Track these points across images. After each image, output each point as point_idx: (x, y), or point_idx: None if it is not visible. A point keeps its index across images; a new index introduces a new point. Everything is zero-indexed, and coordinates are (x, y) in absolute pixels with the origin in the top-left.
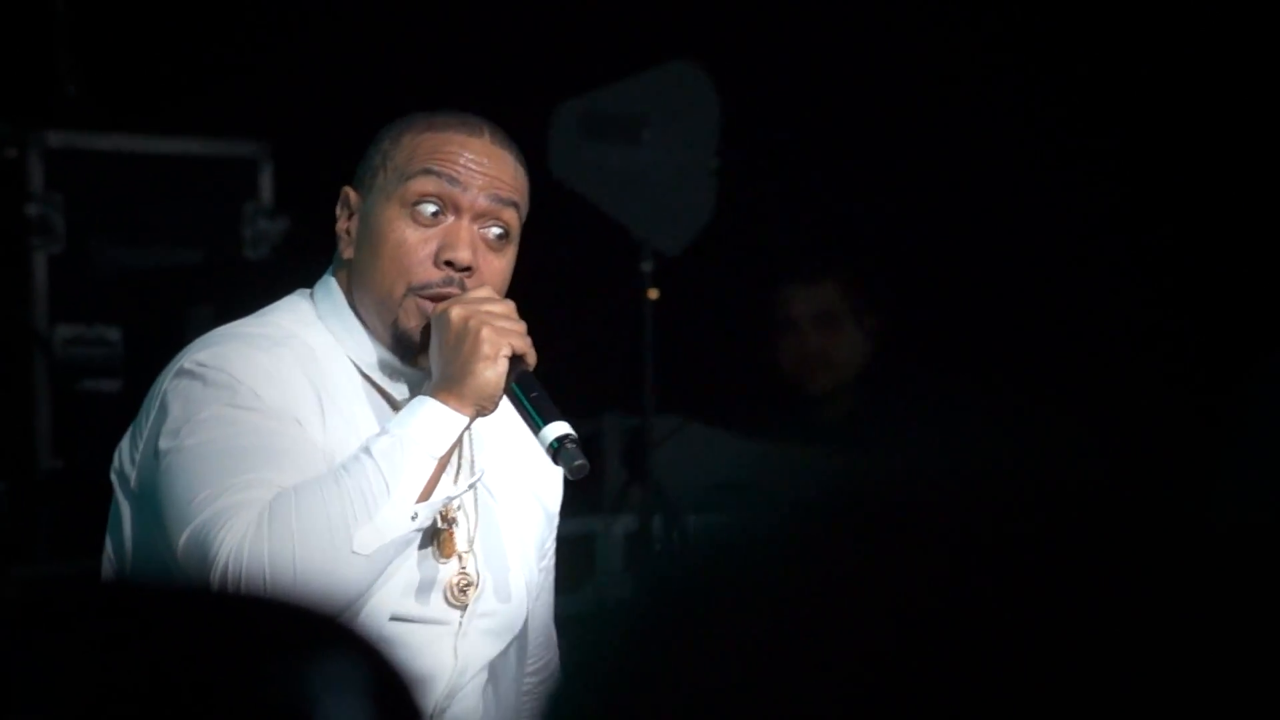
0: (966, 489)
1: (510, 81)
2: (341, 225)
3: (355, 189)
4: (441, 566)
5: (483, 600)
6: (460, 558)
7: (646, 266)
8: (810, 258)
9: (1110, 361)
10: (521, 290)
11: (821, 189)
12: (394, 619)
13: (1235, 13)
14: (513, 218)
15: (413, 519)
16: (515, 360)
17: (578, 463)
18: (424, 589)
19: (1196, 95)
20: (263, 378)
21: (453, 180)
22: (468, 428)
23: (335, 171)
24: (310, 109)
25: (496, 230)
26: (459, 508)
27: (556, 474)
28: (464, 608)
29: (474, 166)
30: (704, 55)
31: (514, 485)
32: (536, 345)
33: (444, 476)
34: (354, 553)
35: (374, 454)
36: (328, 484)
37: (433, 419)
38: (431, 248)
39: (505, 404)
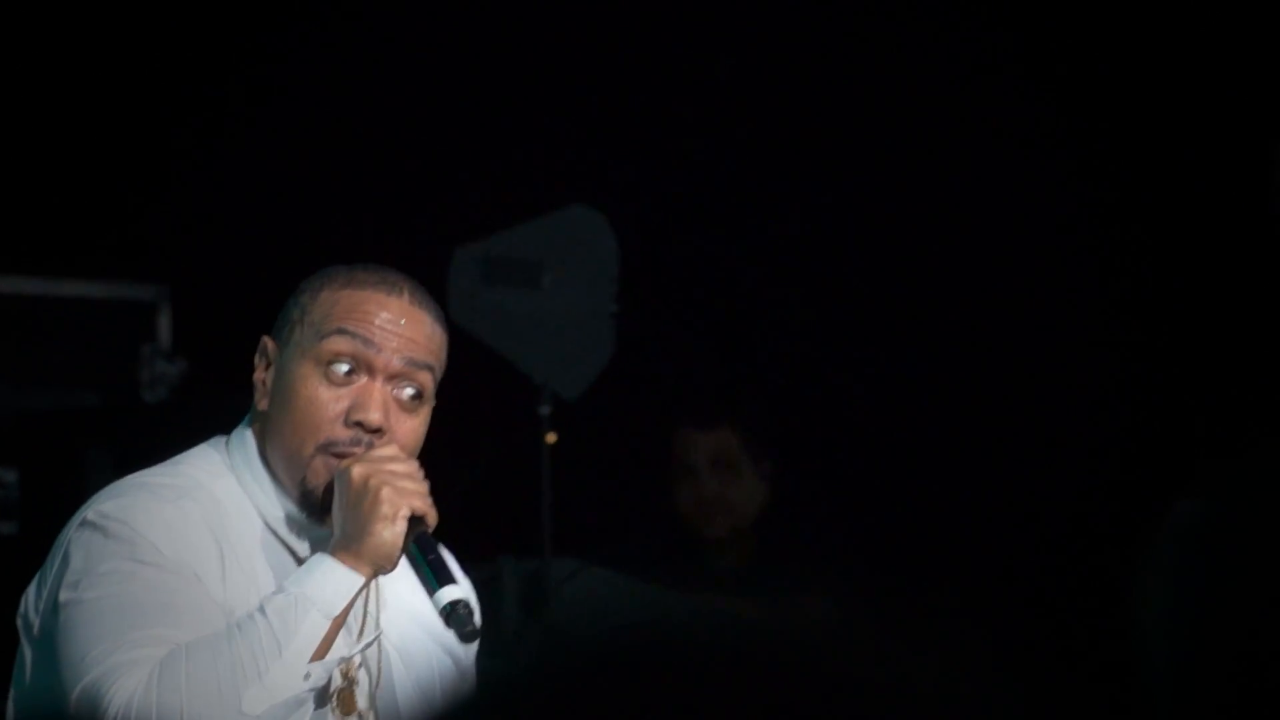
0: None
1: (408, 226)
2: (258, 375)
3: (273, 339)
4: None
5: None
6: (360, 715)
7: (545, 410)
8: (708, 403)
9: (1013, 519)
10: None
11: (720, 334)
12: None
13: (1213, 17)
14: (427, 379)
15: (305, 678)
16: (415, 521)
17: (469, 628)
18: None
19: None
20: (164, 531)
21: (367, 342)
22: (364, 587)
23: (234, 314)
24: (210, 252)
25: (410, 391)
26: (360, 665)
27: (472, 656)
28: None
29: (389, 328)
30: (601, 199)
31: (420, 638)
32: (434, 485)
33: (342, 634)
34: (242, 713)
35: (268, 612)
36: (220, 642)
37: (329, 578)
38: (342, 406)
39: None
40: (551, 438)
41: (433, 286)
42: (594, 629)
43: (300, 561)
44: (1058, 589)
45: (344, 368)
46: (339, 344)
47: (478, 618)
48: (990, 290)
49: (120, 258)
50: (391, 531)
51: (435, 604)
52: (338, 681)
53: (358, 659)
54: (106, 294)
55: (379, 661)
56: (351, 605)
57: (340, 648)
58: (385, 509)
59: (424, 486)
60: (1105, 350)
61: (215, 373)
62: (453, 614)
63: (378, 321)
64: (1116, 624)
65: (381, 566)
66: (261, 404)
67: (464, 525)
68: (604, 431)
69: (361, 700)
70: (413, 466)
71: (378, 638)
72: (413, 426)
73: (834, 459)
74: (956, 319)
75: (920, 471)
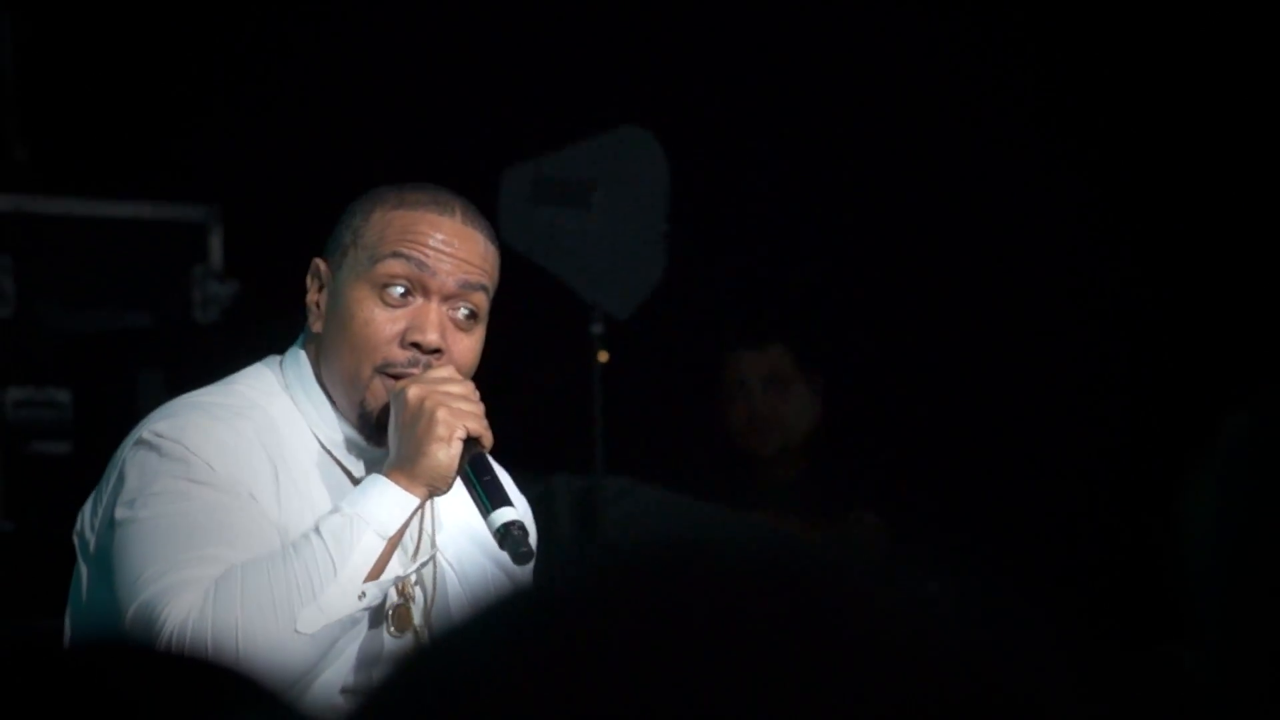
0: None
1: (460, 146)
2: (312, 298)
3: (326, 261)
4: (396, 641)
5: None
6: (416, 632)
7: (596, 329)
8: (759, 320)
9: (1061, 439)
10: None
11: (771, 251)
12: (346, 691)
13: (1213, 20)
14: (481, 299)
15: (360, 598)
16: (470, 442)
17: (522, 550)
18: (379, 663)
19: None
20: (218, 451)
21: (421, 264)
22: (419, 508)
23: (285, 235)
24: (260, 172)
25: (465, 311)
26: (416, 583)
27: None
28: None
29: (443, 249)
30: (653, 119)
31: (476, 556)
32: (488, 405)
33: (398, 554)
34: (297, 632)
35: (323, 533)
36: (275, 562)
37: (384, 499)
38: (399, 328)
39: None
40: (604, 356)
41: (483, 206)
42: (643, 544)
43: (356, 482)
44: (1106, 505)
45: (399, 290)
46: (394, 267)
47: (533, 539)
48: (1044, 209)
49: (171, 178)
50: (447, 453)
51: (489, 526)
52: (393, 599)
53: (413, 576)
54: (158, 215)
55: (434, 579)
56: (407, 525)
57: (395, 567)
58: (441, 430)
59: (480, 408)
60: (1153, 276)
61: (267, 294)
62: (506, 536)
63: (431, 243)
64: (1164, 538)
65: (436, 488)
66: (316, 326)
67: (517, 444)
68: (656, 350)
69: (417, 617)
70: (469, 388)
71: (433, 556)
72: (468, 346)
73: (886, 376)
74: (1013, 234)
75: (971, 387)
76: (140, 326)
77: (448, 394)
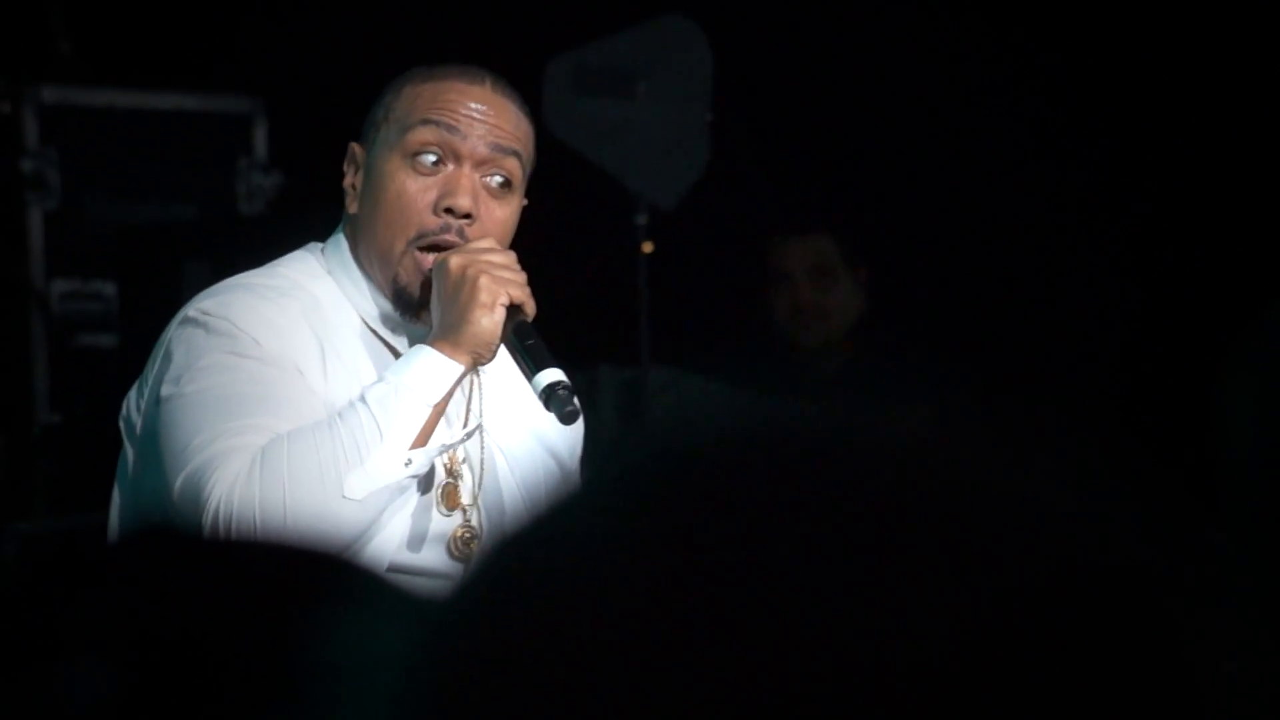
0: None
1: (504, 36)
2: (348, 181)
3: (360, 144)
4: (445, 519)
5: None
6: (464, 511)
7: (641, 220)
8: (804, 211)
9: (1106, 332)
10: (517, 244)
11: (815, 142)
12: (394, 569)
13: (1231, 12)
14: (515, 166)
15: (406, 465)
16: (514, 310)
17: (569, 409)
18: (427, 541)
19: (1207, 84)
20: (264, 326)
21: (451, 129)
22: (464, 376)
23: (329, 127)
24: (304, 65)
25: (498, 179)
26: (464, 460)
27: (574, 430)
28: (467, 560)
29: (474, 115)
30: (697, 8)
31: (525, 440)
32: (534, 294)
33: (444, 427)
34: (345, 497)
35: (369, 401)
36: (321, 430)
37: (429, 367)
38: (431, 196)
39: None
40: (648, 247)
41: (527, 97)
42: (691, 435)
43: (399, 357)
44: (1151, 391)
45: (431, 157)
46: (424, 134)
47: (577, 399)
48: (1091, 98)
49: (216, 70)
50: (490, 319)
51: (535, 388)
52: (442, 477)
53: (461, 454)
54: (202, 107)
55: (482, 459)
56: (451, 395)
57: (442, 437)
58: (484, 296)
59: (522, 276)
60: (1192, 169)
61: (311, 185)
62: (552, 395)
63: (462, 110)
64: (1208, 424)
65: (480, 355)
66: (352, 207)
67: (562, 335)
68: (701, 240)
69: (465, 496)
70: (510, 257)
71: (479, 430)
72: (502, 216)
73: (931, 268)
74: (1057, 127)
75: (1017, 278)
76: (185, 218)
77: (490, 263)
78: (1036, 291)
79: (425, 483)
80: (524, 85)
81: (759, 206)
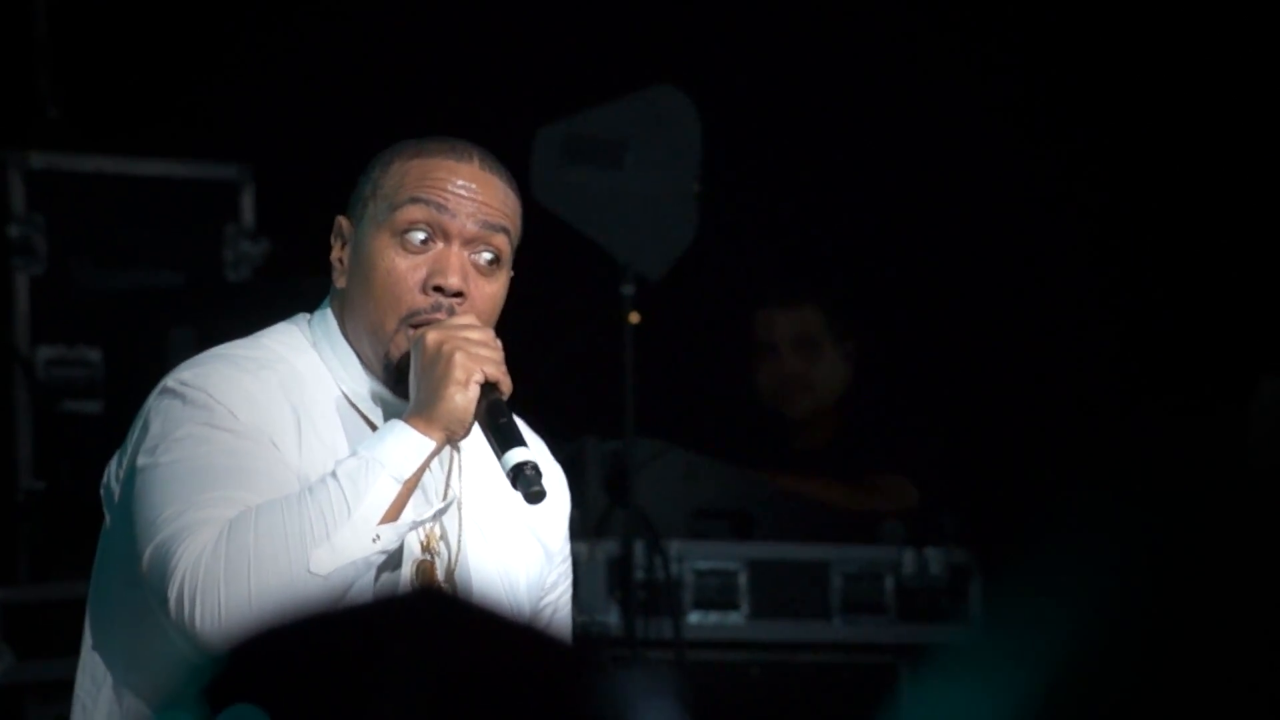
0: None
1: (492, 105)
2: (335, 255)
3: (348, 217)
4: None
5: None
6: (440, 589)
7: (628, 290)
8: (791, 281)
9: (1089, 384)
10: (503, 313)
11: (803, 213)
12: None
13: (1220, 19)
14: (503, 243)
15: (374, 540)
16: (489, 387)
17: (534, 489)
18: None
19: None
20: (242, 398)
21: (440, 207)
22: (437, 452)
23: (316, 194)
24: (292, 131)
25: (487, 256)
26: (441, 537)
27: (559, 512)
28: None
29: (462, 193)
30: (686, 79)
31: (507, 520)
32: (518, 368)
33: (418, 503)
34: (310, 572)
35: (339, 475)
36: (290, 503)
37: (401, 442)
38: (421, 275)
39: (543, 466)
40: (635, 318)
41: (515, 166)
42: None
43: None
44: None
45: (420, 236)
46: (413, 212)
47: (547, 480)
48: (1084, 175)
49: (204, 137)
50: (464, 396)
51: (503, 467)
52: (417, 553)
53: (437, 531)
54: (190, 173)
55: (460, 536)
56: (423, 471)
57: (411, 514)
58: (458, 374)
59: (499, 354)
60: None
61: (298, 253)
62: (519, 475)
63: (450, 187)
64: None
65: (454, 431)
66: (340, 282)
67: (548, 406)
68: (687, 311)
69: (440, 573)
70: (488, 334)
71: (451, 505)
72: (491, 293)
73: (917, 340)
74: (1049, 201)
75: (1002, 352)
76: (172, 285)
77: (467, 339)
78: (1026, 364)
79: (399, 559)
80: (512, 154)
81: (746, 278)
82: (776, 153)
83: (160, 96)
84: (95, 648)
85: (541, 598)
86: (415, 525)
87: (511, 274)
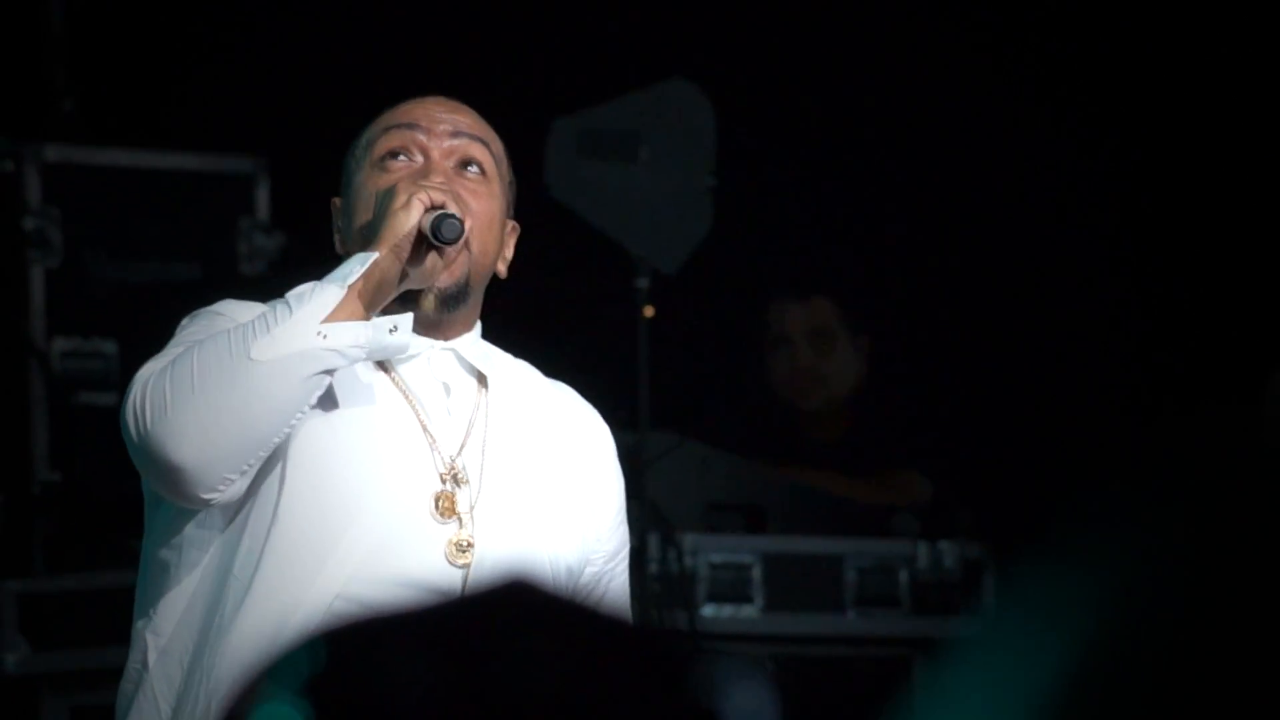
0: None
1: (506, 99)
2: (337, 238)
3: (340, 197)
4: (439, 526)
5: (486, 566)
6: (460, 520)
7: (642, 284)
8: (805, 274)
9: (1108, 379)
10: (518, 306)
11: (818, 206)
12: (391, 578)
13: (1233, 17)
14: (484, 154)
15: (319, 336)
16: (440, 214)
17: (448, 220)
18: (421, 547)
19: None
20: (243, 308)
21: (412, 125)
22: (378, 264)
23: (331, 187)
24: (307, 124)
25: (471, 169)
26: (463, 468)
27: (601, 456)
28: (465, 569)
29: (434, 110)
30: (700, 73)
31: (553, 472)
32: (535, 360)
33: (445, 426)
34: (251, 359)
35: (287, 295)
36: (240, 323)
37: (348, 263)
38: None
39: (565, 399)
40: (649, 311)
41: (529, 160)
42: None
43: (399, 390)
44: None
45: (400, 158)
46: (388, 139)
47: (579, 419)
48: (1099, 168)
49: (219, 129)
50: (405, 213)
51: (429, 233)
52: (437, 485)
53: (460, 466)
54: (205, 166)
55: (483, 470)
56: (374, 280)
57: (364, 329)
58: (400, 197)
59: (448, 187)
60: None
61: (313, 246)
62: (442, 222)
63: (420, 110)
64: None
65: (397, 244)
66: (340, 249)
67: None
68: (702, 305)
69: (462, 505)
70: (447, 183)
71: (476, 438)
72: (482, 206)
73: (932, 334)
74: (1064, 192)
75: (1017, 344)
76: (187, 278)
77: (413, 179)
78: (1041, 357)
79: (420, 490)
80: (526, 149)
81: (760, 271)
82: (791, 146)
83: (175, 89)
84: (138, 617)
85: (597, 558)
86: (375, 351)
87: (517, 226)
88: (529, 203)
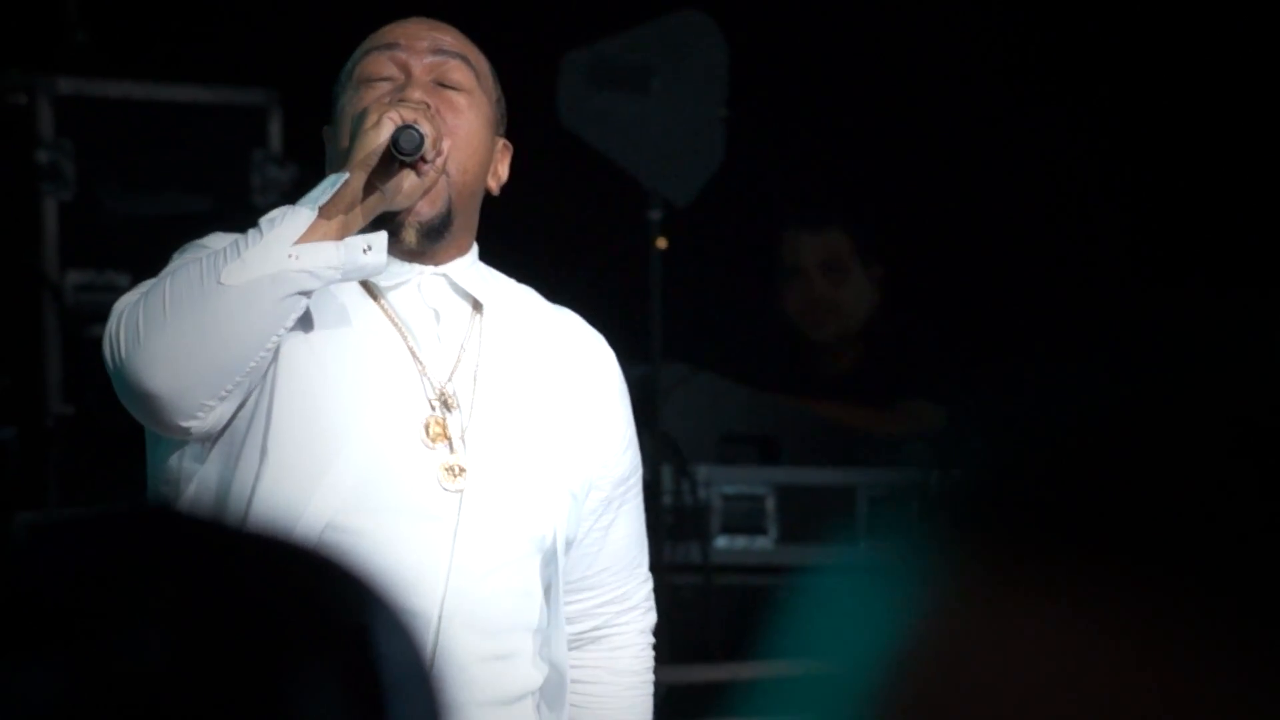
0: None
1: (518, 31)
2: (328, 166)
3: (328, 125)
4: (429, 452)
5: (480, 493)
6: (450, 445)
7: (655, 215)
8: (818, 205)
9: (1123, 296)
10: (531, 238)
11: (830, 137)
12: (385, 505)
13: (1239, 10)
14: (464, 71)
15: (291, 258)
16: (407, 131)
17: (406, 131)
18: (411, 473)
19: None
20: (231, 239)
21: (392, 45)
22: (349, 184)
23: None
24: (319, 56)
25: (452, 87)
26: (453, 394)
27: (606, 382)
28: (460, 493)
29: (413, 30)
30: (711, 4)
31: (552, 396)
32: (546, 291)
33: (436, 354)
34: (220, 283)
35: (260, 219)
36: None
37: (320, 185)
38: (382, 95)
39: (568, 323)
40: (662, 243)
41: (542, 92)
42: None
43: (388, 318)
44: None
45: (383, 80)
46: (370, 62)
47: (585, 347)
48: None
49: (232, 61)
50: (376, 131)
51: (394, 153)
52: (426, 411)
53: (450, 389)
54: (218, 98)
55: (474, 397)
56: (342, 200)
57: (338, 250)
58: (372, 118)
59: (422, 104)
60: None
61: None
62: (399, 138)
63: (399, 29)
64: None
65: (366, 162)
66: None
67: None
68: (714, 236)
69: (454, 430)
70: (419, 92)
71: (466, 363)
72: (466, 122)
73: (943, 262)
74: (1074, 123)
75: (1031, 274)
76: (200, 210)
77: (393, 97)
78: (1052, 290)
79: (409, 417)
80: (538, 80)
81: (773, 202)
82: (803, 76)
83: (187, 21)
84: None
85: (603, 483)
86: (348, 273)
87: (509, 145)
88: (541, 135)
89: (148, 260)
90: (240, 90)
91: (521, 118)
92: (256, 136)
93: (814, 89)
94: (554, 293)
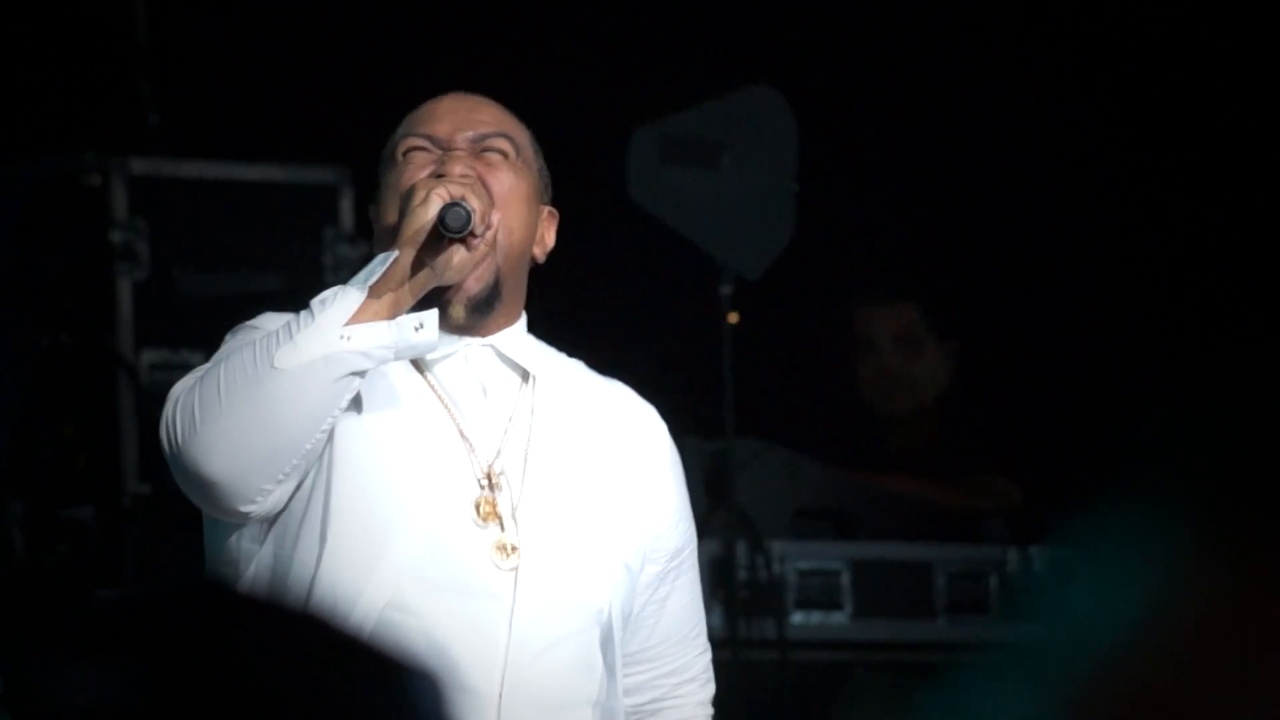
0: None
1: (589, 107)
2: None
3: (373, 205)
4: (480, 530)
5: (535, 570)
6: (501, 523)
7: (726, 290)
8: (890, 278)
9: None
10: (602, 313)
11: (902, 210)
12: (437, 584)
13: (1238, 12)
14: (505, 144)
15: (343, 339)
16: (455, 209)
17: (453, 210)
18: (463, 553)
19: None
20: (282, 319)
21: (431, 119)
22: (398, 262)
23: None
24: (390, 134)
25: (494, 154)
26: (501, 473)
27: (657, 454)
28: (514, 570)
29: (452, 106)
30: (781, 78)
31: (603, 469)
32: (618, 367)
33: (483, 428)
34: (274, 368)
35: (312, 301)
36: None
37: (371, 264)
38: (426, 172)
39: (618, 395)
40: (734, 317)
41: (611, 168)
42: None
43: (435, 394)
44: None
45: (423, 154)
46: (408, 141)
47: (634, 418)
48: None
49: (303, 140)
50: (424, 209)
51: (444, 229)
52: (476, 490)
53: (499, 469)
54: (289, 177)
55: (525, 474)
56: (392, 278)
57: (389, 330)
58: (419, 193)
59: (469, 178)
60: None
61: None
62: (449, 212)
63: (438, 110)
64: None
65: (415, 239)
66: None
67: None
68: (786, 310)
69: (504, 508)
70: (460, 166)
71: (526, 451)
72: (511, 182)
73: (1020, 339)
74: (1158, 201)
75: (1107, 349)
76: (272, 289)
77: (436, 178)
78: (1131, 361)
79: (459, 497)
80: (608, 156)
81: (845, 276)
82: (874, 150)
83: (259, 101)
84: None
85: (658, 556)
86: (401, 350)
87: (554, 211)
88: (611, 211)
89: (221, 339)
90: (311, 169)
91: (591, 193)
92: (328, 215)
93: (885, 162)
94: (625, 369)
